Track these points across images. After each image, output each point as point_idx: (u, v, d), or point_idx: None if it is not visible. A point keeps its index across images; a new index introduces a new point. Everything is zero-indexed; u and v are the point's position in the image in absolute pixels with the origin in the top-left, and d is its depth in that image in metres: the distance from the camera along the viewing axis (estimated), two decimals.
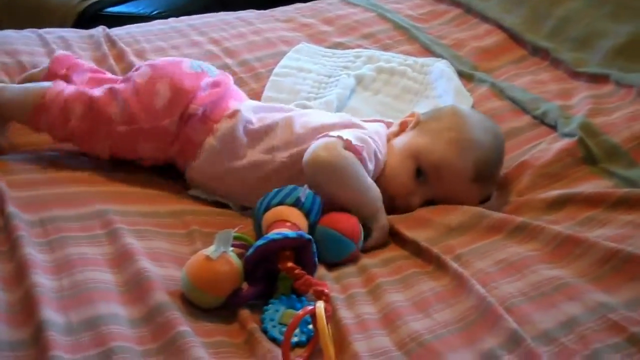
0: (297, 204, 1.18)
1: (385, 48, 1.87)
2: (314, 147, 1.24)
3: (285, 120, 1.34)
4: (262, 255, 1.08)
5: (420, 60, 1.78)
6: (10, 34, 1.88)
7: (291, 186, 1.21)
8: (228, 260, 1.07)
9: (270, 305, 1.06)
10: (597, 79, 1.62)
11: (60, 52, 1.59)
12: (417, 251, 1.20)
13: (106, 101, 1.35)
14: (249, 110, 1.37)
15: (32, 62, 1.70)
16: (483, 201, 1.34)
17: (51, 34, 1.91)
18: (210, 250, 1.07)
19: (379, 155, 1.30)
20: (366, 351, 0.98)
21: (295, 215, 1.17)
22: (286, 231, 1.11)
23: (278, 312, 1.05)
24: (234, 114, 1.35)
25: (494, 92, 1.63)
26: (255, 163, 1.31)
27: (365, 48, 1.86)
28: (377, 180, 1.30)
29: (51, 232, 1.16)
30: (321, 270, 1.14)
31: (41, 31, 1.92)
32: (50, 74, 1.54)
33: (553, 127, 1.49)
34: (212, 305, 1.07)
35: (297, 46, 1.85)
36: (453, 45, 1.87)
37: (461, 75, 1.72)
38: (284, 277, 1.09)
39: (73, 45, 1.84)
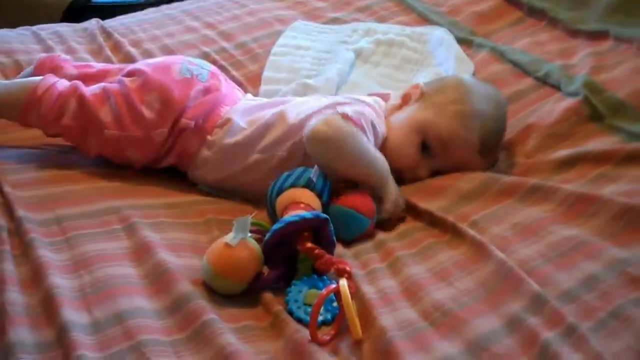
0: (309, 184, 1.19)
1: (382, 20, 1.86)
2: (313, 123, 1.24)
3: (278, 115, 1.33)
4: (281, 238, 1.09)
5: (418, 29, 1.78)
6: (5, 32, 1.87)
7: (301, 168, 1.22)
8: (248, 246, 1.08)
9: (292, 287, 1.07)
10: (596, 36, 1.62)
11: (43, 55, 1.56)
12: (432, 221, 1.21)
13: (98, 102, 1.34)
14: (239, 115, 1.35)
15: (29, 61, 1.69)
16: (488, 168, 1.34)
17: (45, 30, 1.90)
18: (229, 238, 1.08)
19: (377, 128, 1.30)
20: (393, 324, 0.99)
21: (308, 196, 1.18)
22: (302, 212, 1.12)
23: (301, 292, 1.06)
24: (225, 122, 1.34)
25: (494, 56, 1.63)
26: (254, 164, 1.31)
27: (362, 21, 1.85)
28: (382, 153, 1.30)
29: (67, 230, 1.16)
30: (339, 249, 1.15)
31: (35, 28, 1.92)
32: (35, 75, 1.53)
33: (556, 88, 1.49)
34: (234, 291, 1.08)
35: (293, 24, 1.85)
36: (449, 12, 1.87)
37: (460, 41, 1.71)
38: (304, 259, 1.10)
39: (68, 39, 1.84)
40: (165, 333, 0.99)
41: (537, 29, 1.73)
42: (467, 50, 1.68)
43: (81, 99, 1.34)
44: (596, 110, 1.38)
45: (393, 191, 1.25)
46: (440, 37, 1.71)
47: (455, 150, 1.31)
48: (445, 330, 0.98)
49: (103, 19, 1.96)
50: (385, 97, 1.42)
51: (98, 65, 1.55)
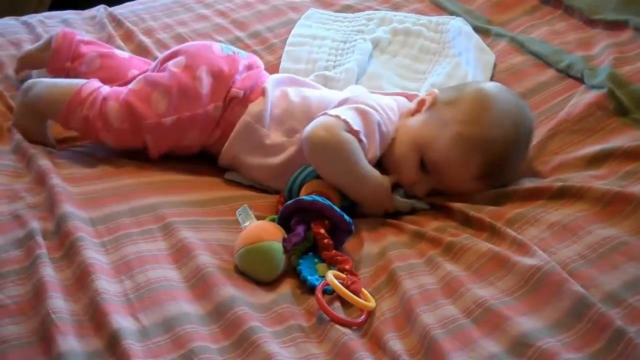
0: None
1: (396, 7, 1.84)
2: (313, 125, 1.23)
3: (303, 101, 1.35)
4: (317, 208, 1.14)
5: (435, 18, 1.76)
6: (8, 22, 1.83)
7: None
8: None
9: (301, 262, 1.12)
10: (614, 25, 1.60)
11: (57, 41, 1.52)
12: (466, 220, 1.21)
13: (146, 94, 1.34)
14: (274, 87, 1.38)
15: None
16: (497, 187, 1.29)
17: (52, 18, 1.87)
18: (242, 226, 1.17)
19: (384, 128, 1.27)
20: (435, 322, 1.00)
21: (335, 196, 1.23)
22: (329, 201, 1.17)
23: (311, 268, 1.12)
24: (264, 91, 1.37)
25: (514, 46, 1.61)
26: (278, 145, 1.32)
27: (376, 9, 1.84)
28: (386, 162, 1.30)
29: (109, 232, 1.16)
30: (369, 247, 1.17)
31: (41, 16, 1.88)
32: (52, 69, 1.53)
33: (579, 80, 1.48)
34: (274, 256, 1.10)
35: (306, 12, 1.83)
36: None
37: (477, 30, 1.69)
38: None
39: (77, 28, 1.80)
40: (211, 340, 0.98)
41: (553, 18, 1.71)
42: (486, 40, 1.66)
43: (126, 101, 1.34)
44: (621, 104, 1.38)
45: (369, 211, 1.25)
46: (458, 27, 1.69)
47: (450, 175, 1.26)
48: (487, 327, 0.99)
49: (110, 5, 1.93)
50: (411, 97, 1.40)
51: (119, 53, 1.56)
